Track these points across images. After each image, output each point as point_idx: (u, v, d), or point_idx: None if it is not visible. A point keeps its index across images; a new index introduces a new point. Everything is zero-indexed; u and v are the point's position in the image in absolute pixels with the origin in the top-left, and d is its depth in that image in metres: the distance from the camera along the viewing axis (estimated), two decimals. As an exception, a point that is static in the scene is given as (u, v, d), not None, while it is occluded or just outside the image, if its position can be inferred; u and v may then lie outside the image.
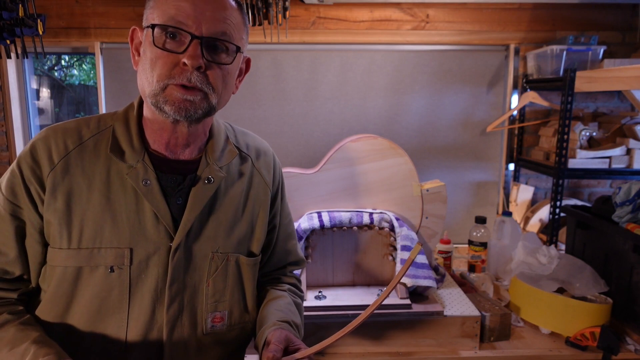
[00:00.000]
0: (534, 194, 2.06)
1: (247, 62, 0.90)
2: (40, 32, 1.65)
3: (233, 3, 0.80)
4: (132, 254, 0.80)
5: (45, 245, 0.81)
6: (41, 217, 0.80)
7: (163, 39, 0.75)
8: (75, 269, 0.79)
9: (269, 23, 1.75)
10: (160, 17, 0.75)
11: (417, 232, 1.44)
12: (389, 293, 0.74)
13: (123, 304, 0.80)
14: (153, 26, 0.75)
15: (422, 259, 1.36)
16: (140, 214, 0.81)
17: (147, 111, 0.84)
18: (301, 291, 1.06)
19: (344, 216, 1.36)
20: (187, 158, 0.86)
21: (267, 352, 0.76)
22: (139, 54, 0.81)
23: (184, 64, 0.74)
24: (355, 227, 1.38)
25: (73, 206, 0.79)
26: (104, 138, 0.83)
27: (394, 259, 1.38)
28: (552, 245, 1.62)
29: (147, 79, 0.77)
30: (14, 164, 0.81)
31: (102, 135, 0.83)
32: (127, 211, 0.80)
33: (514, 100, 2.05)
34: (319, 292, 1.34)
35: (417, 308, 1.28)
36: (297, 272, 1.10)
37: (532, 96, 1.88)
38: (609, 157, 1.75)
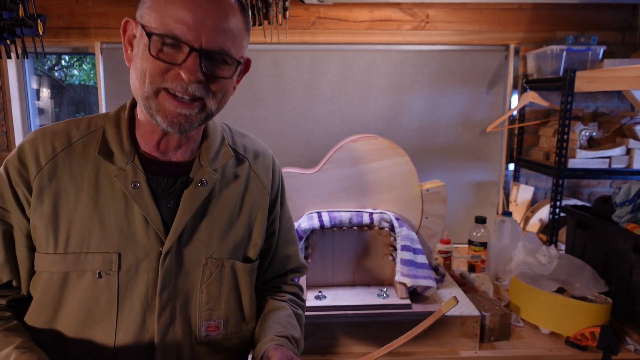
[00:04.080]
0: (534, 194, 2.06)
1: (247, 62, 0.85)
2: (41, 32, 1.65)
3: (236, 6, 0.75)
4: (121, 259, 0.77)
5: (33, 249, 0.79)
6: (28, 220, 0.77)
7: (159, 48, 0.71)
8: (62, 274, 0.76)
9: (269, 23, 1.75)
10: (158, 24, 0.70)
11: (417, 232, 1.44)
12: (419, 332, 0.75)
13: (111, 312, 0.77)
14: (150, 35, 0.70)
15: (422, 259, 1.36)
16: (129, 218, 0.78)
17: (140, 112, 0.81)
18: (303, 301, 1.02)
19: (344, 216, 1.36)
20: (180, 160, 0.83)
21: None
22: (132, 48, 0.77)
23: (180, 74, 0.71)
24: (355, 227, 1.38)
25: (60, 210, 0.77)
26: (94, 140, 0.80)
27: (393, 259, 1.38)
28: (552, 245, 1.62)
29: (138, 78, 0.74)
30: (1, 167, 0.79)
31: (91, 136, 0.81)
32: (115, 215, 0.78)
33: (514, 100, 2.05)
34: (319, 292, 1.34)
35: (417, 308, 1.28)
36: (297, 279, 1.05)
37: (532, 96, 1.88)
38: (609, 157, 1.75)
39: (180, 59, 0.71)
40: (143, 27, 0.72)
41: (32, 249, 0.79)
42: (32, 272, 0.79)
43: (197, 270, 0.82)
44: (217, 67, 0.75)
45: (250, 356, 0.89)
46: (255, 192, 0.90)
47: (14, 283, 0.80)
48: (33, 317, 0.79)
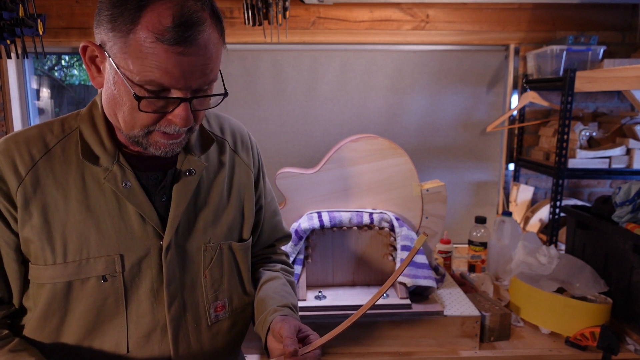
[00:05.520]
0: (534, 194, 2.06)
1: None
2: (41, 32, 1.65)
3: (212, 25, 0.69)
4: (123, 259, 0.77)
5: (24, 262, 0.77)
6: (16, 234, 0.75)
7: (149, 104, 0.69)
8: (65, 283, 0.76)
9: (269, 23, 1.75)
10: (141, 76, 0.66)
11: (417, 232, 1.44)
12: (399, 275, 0.75)
13: (120, 309, 0.78)
14: (139, 98, 0.67)
15: (422, 259, 1.36)
16: (124, 218, 0.77)
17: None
18: (292, 267, 1.07)
19: (344, 216, 1.36)
20: None
21: (286, 348, 0.74)
22: (97, 68, 0.73)
23: (171, 119, 0.71)
24: (355, 227, 1.38)
25: (51, 220, 0.75)
26: (72, 142, 0.77)
27: (394, 259, 1.38)
28: (552, 245, 1.62)
29: (123, 119, 0.71)
30: None
31: (68, 139, 0.78)
32: (110, 217, 0.77)
33: (514, 100, 2.05)
34: (319, 292, 1.34)
35: (417, 308, 1.28)
36: (284, 247, 1.11)
37: (532, 96, 1.88)
38: (609, 157, 1.75)
39: (170, 108, 0.70)
40: (118, 67, 0.67)
41: (23, 262, 0.77)
42: (25, 285, 0.78)
43: (199, 257, 0.84)
44: (204, 100, 0.74)
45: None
46: (240, 174, 0.92)
47: (5, 299, 0.79)
48: (37, 330, 0.78)
